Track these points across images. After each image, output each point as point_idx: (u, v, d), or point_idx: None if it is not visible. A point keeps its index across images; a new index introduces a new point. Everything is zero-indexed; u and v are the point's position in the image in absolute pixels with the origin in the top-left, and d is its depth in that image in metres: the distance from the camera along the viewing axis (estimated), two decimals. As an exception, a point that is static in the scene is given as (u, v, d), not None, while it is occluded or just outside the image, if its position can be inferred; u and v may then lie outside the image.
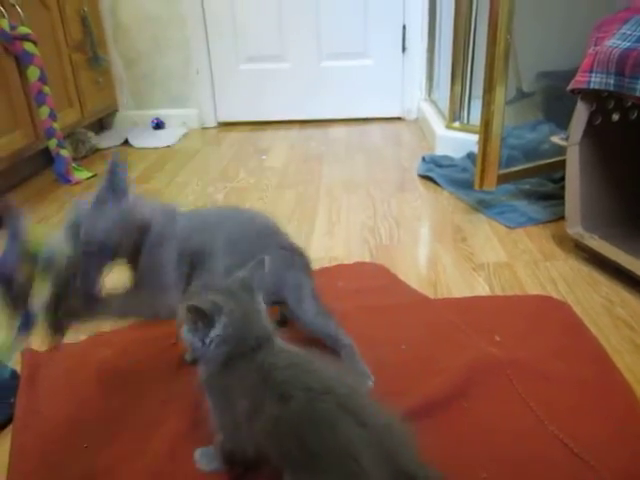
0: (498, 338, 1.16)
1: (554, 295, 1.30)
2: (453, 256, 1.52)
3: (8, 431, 0.99)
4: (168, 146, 2.81)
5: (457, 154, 2.25)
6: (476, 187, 1.68)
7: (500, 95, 1.56)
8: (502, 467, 0.86)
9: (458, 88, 2.40)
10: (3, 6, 2.03)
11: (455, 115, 2.42)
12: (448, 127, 2.43)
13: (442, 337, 1.17)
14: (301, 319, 1.04)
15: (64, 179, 2.32)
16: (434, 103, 2.85)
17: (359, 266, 1.49)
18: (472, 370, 1.05)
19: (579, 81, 1.36)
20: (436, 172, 2.09)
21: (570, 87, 1.39)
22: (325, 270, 1.48)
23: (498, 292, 1.34)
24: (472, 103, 2.40)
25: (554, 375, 1.05)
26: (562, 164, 1.50)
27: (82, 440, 0.94)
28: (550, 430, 0.92)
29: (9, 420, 1.01)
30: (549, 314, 1.24)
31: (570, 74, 1.41)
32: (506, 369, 1.05)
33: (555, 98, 2.36)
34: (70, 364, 1.15)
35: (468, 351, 1.11)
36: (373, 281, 1.41)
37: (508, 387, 1.02)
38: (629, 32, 1.28)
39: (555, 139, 1.53)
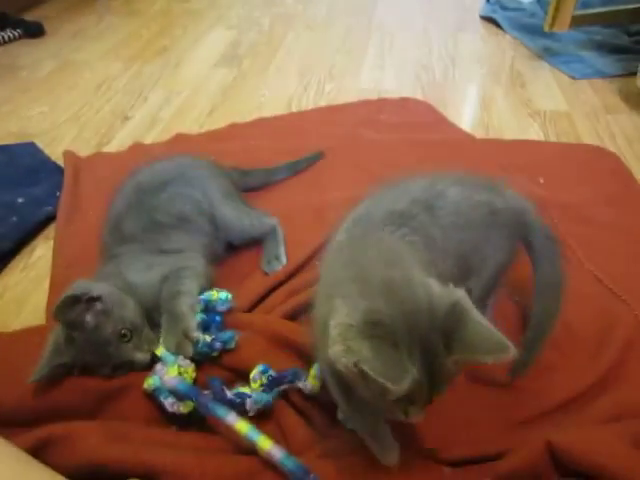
0: (542, 180, 1.13)
1: (611, 149, 1.24)
2: (509, 100, 1.44)
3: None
4: (211, -34, 2.60)
5: (525, -3, 2.04)
6: (546, 28, 1.54)
7: None
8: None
9: None
10: None
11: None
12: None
13: (484, 174, 1.14)
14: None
15: (102, -8, 2.20)
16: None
17: (403, 101, 1.43)
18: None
19: None
20: (500, 14, 1.92)
21: None
22: (367, 103, 1.42)
23: (552, 140, 1.29)
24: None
25: (596, 219, 1.03)
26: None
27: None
28: (586, 267, 0.93)
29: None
30: (597, 163, 1.20)
31: None
32: (549, 209, 1.04)
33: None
34: (109, 171, 1.14)
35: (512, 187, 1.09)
36: (417, 117, 1.36)
37: (549, 225, 1.01)
38: None
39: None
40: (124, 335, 0.69)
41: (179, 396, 0.66)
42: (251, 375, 0.67)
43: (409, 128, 1.30)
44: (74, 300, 0.68)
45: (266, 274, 0.90)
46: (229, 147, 1.23)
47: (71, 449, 0.61)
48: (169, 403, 0.66)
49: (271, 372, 0.67)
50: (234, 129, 1.32)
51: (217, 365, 0.72)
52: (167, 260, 0.81)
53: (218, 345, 0.71)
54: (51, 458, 0.61)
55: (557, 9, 1.48)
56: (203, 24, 1.94)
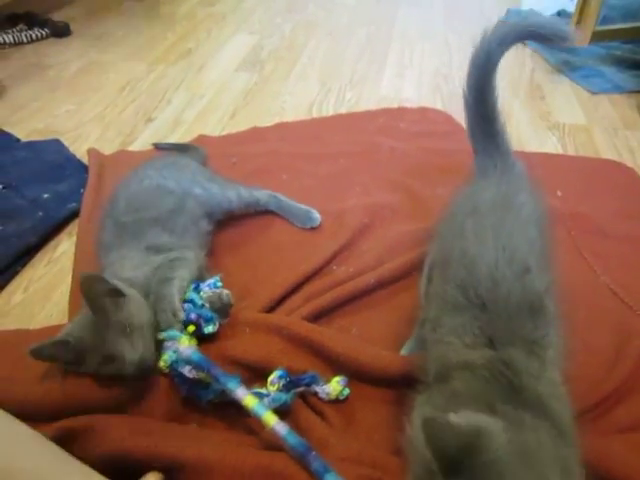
0: (560, 193, 1.14)
1: (629, 164, 1.25)
2: (528, 113, 1.45)
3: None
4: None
5: (546, 11, 2.04)
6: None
7: None
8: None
9: None
10: None
11: (553, -35, 2.16)
12: (542, -21, 2.18)
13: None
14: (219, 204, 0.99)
15: (128, -6, 2.24)
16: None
17: (423, 111, 1.44)
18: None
19: None
20: (521, 27, 1.93)
21: None
22: (387, 111, 1.44)
23: (571, 153, 1.29)
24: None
25: (613, 233, 1.04)
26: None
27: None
28: (602, 280, 0.93)
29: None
30: (615, 177, 1.21)
31: None
32: (566, 221, 1.05)
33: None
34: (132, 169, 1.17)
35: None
36: (436, 126, 1.37)
37: (565, 238, 1.02)
38: None
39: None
40: (126, 328, 0.69)
41: (194, 366, 0.67)
42: (269, 379, 0.69)
43: (428, 137, 1.31)
44: (104, 283, 0.70)
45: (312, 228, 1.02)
46: (250, 150, 1.25)
47: (94, 441, 0.63)
48: (188, 370, 0.68)
49: (289, 377, 0.69)
50: (255, 132, 1.35)
51: (235, 364, 0.73)
52: (156, 258, 0.83)
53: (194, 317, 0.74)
54: (74, 449, 0.62)
55: (579, 23, 1.49)
56: (227, 28, 1.97)
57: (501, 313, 0.57)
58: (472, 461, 0.42)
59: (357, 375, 0.72)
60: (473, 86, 0.77)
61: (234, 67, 1.69)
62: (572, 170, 1.23)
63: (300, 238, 1.00)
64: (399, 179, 1.15)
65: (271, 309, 0.83)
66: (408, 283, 0.88)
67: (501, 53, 0.76)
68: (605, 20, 1.71)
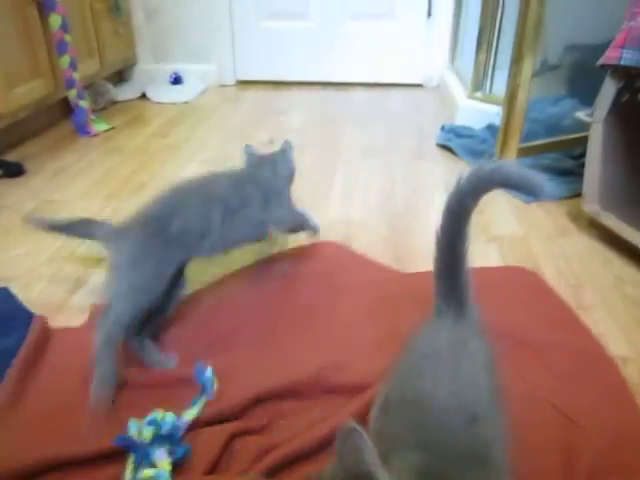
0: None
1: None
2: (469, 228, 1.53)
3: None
4: (186, 102, 2.80)
5: (477, 125, 2.23)
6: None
7: (528, 66, 1.54)
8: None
9: (483, 57, 2.35)
10: (27, -50, 2.00)
11: (478, 85, 2.39)
12: (470, 97, 2.40)
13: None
14: None
15: (83, 131, 2.33)
16: (456, 71, 2.81)
17: (323, 246, 1.43)
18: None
19: (609, 57, 1.34)
20: (455, 142, 2.08)
21: (600, 62, 1.36)
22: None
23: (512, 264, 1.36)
24: (496, 73, 2.36)
25: (533, 341, 1.07)
26: (584, 140, 1.50)
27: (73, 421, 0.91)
28: (539, 395, 0.94)
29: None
30: (521, 283, 1.28)
31: (600, 48, 1.39)
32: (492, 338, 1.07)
33: (581, 73, 2.32)
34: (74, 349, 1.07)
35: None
36: (337, 261, 1.38)
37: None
38: (666, 8, 1.25)
39: (580, 115, 1.51)
40: None
41: None
42: None
43: (332, 275, 1.31)
44: None
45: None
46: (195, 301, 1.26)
47: None
48: None
49: None
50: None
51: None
52: None
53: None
54: None
55: (504, 142, 1.63)
56: (179, 159, 2.06)
57: (447, 460, 0.58)
58: None
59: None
60: (445, 232, 0.78)
61: (187, 199, 1.74)
62: (483, 281, 1.26)
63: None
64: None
65: (213, 466, 0.78)
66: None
67: (474, 203, 0.77)
68: (530, 134, 1.87)
